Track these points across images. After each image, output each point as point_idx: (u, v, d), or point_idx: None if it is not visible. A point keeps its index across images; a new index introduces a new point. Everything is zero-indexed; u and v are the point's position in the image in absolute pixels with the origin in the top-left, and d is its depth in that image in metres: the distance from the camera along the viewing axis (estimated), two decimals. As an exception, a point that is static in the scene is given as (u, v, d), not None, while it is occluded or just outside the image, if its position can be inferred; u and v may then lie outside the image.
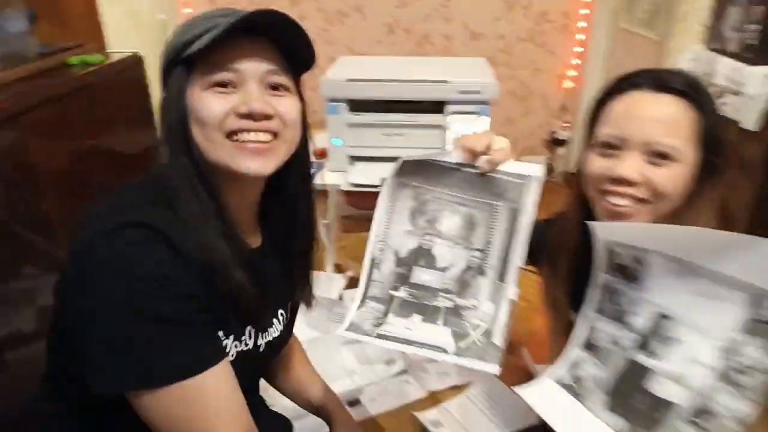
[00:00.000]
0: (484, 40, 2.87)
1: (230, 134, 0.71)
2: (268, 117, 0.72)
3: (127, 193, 0.72)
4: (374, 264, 0.73)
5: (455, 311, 0.71)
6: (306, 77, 0.79)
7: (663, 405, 0.61)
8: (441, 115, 1.58)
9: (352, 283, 1.55)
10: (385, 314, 0.71)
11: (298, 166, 0.82)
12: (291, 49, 0.75)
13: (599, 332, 0.70)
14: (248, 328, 0.78)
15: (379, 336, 0.69)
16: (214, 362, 0.67)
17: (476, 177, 0.72)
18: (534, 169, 0.70)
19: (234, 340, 0.75)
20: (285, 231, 0.86)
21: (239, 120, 0.71)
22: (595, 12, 2.76)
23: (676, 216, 0.82)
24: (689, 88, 0.80)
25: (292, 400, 1.02)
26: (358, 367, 1.23)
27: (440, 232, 0.73)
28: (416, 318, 0.71)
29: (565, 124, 3.03)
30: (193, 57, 0.70)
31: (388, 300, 0.72)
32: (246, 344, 0.78)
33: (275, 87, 0.74)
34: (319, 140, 1.47)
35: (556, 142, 3.04)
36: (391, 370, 1.21)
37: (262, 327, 0.82)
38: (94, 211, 0.67)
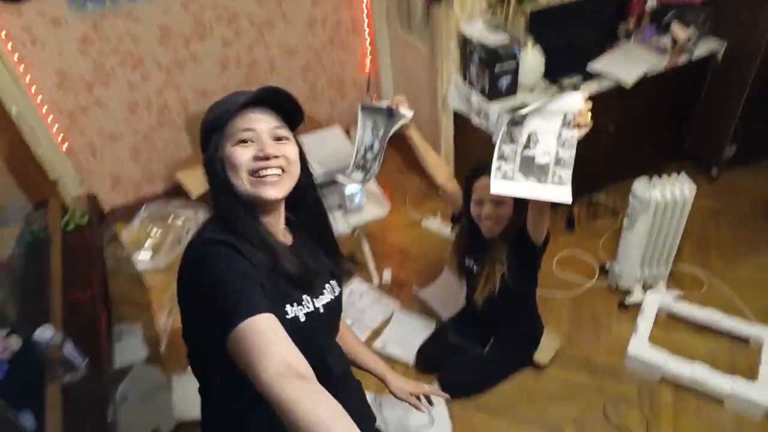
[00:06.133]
0: (299, 55, 3.66)
1: (253, 173, 0.98)
2: (276, 157, 0.98)
3: (208, 225, 1.01)
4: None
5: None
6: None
7: (543, 166, 1.28)
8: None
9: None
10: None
11: (307, 189, 1.12)
12: (287, 111, 1.02)
13: (504, 150, 1.32)
14: (304, 296, 1.05)
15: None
16: (269, 311, 0.84)
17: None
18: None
19: (297, 305, 1.02)
20: (311, 232, 1.18)
21: (258, 162, 0.97)
22: (374, 18, 3.69)
23: None
24: None
25: (354, 366, 1.36)
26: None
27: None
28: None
29: (374, 96, 4.04)
30: (224, 125, 0.97)
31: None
32: (308, 307, 1.05)
33: (279, 138, 1.01)
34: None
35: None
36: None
37: (315, 294, 1.08)
38: (194, 235, 1.00)
